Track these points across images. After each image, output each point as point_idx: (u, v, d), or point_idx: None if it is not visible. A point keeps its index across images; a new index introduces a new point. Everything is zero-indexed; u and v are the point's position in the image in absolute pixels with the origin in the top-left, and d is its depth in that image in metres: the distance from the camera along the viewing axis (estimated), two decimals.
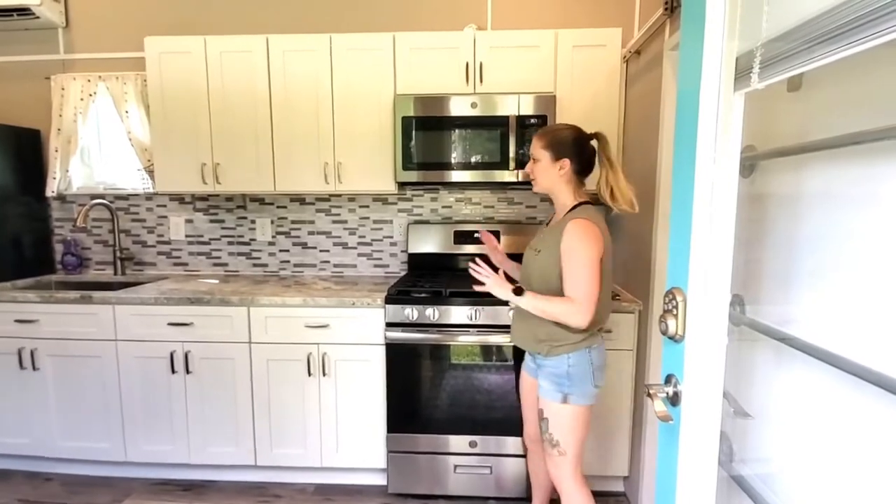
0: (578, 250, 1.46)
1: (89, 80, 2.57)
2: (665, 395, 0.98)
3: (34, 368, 2.22)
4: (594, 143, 1.58)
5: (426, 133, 2.24)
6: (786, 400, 1.00)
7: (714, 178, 0.88)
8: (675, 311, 0.95)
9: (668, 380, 0.99)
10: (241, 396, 2.18)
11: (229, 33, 2.36)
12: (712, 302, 0.90)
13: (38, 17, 2.50)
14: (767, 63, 0.79)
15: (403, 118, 2.22)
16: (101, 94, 2.58)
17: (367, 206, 2.70)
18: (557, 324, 1.52)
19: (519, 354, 1.97)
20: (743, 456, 1.15)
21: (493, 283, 1.54)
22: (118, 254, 2.72)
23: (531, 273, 1.60)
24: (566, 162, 1.55)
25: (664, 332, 0.97)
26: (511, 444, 2.10)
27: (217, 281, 2.55)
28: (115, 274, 2.73)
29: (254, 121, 2.34)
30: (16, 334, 2.21)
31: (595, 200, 1.58)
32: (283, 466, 2.25)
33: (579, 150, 1.55)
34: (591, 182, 1.57)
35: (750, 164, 1.11)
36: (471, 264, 1.56)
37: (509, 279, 1.58)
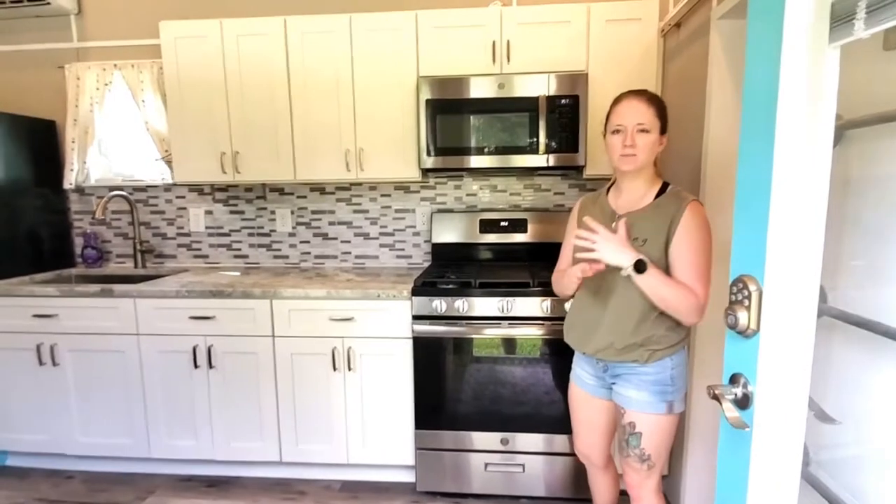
0: (703, 237, 1.29)
1: (104, 69, 2.50)
2: (733, 396, 0.87)
3: (54, 364, 2.18)
4: None
5: (451, 116, 2.13)
6: (881, 399, 0.88)
7: (801, 149, 0.76)
8: (746, 303, 0.83)
9: (733, 380, 0.88)
10: (265, 391, 2.12)
11: (246, 16, 2.26)
12: (798, 292, 0.78)
13: (49, 4, 2.43)
14: (875, 6, 0.67)
15: (427, 101, 2.12)
16: (117, 83, 2.52)
17: (389, 195, 2.61)
18: (657, 322, 1.33)
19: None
20: (820, 460, 1.04)
21: (607, 247, 1.25)
22: (138, 246, 2.68)
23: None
24: (665, 138, 1.38)
25: (732, 326, 0.86)
26: (544, 441, 2.01)
27: (238, 273, 2.49)
28: (136, 267, 2.68)
29: (272, 107, 2.25)
30: (35, 329, 2.17)
31: None
32: (309, 463, 2.19)
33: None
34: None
35: (834, 136, 0.99)
36: (579, 231, 1.30)
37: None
